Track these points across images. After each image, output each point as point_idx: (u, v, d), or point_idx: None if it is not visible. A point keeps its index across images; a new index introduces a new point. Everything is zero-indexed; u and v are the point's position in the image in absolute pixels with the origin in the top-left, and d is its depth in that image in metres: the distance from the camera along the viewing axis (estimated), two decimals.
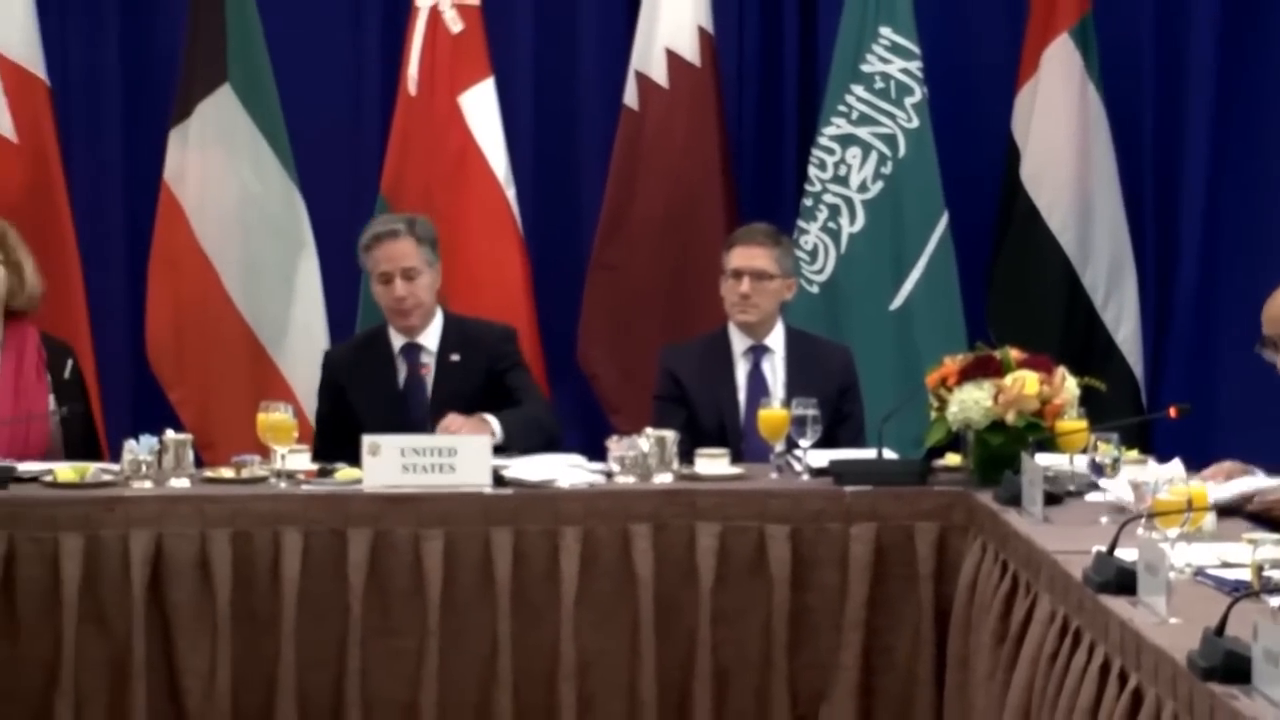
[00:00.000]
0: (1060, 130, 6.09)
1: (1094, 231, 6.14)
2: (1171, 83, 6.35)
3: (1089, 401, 4.51)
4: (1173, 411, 4.37)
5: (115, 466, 4.47)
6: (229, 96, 5.88)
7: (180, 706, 4.27)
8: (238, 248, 5.94)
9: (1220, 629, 2.51)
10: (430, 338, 5.12)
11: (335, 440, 4.77)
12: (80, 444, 4.93)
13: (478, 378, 5.04)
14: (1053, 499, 4.03)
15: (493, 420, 4.82)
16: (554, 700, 4.34)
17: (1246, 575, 3.07)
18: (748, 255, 5.18)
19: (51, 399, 4.92)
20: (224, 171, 5.91)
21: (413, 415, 4.99)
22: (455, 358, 4.97)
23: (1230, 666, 2.44)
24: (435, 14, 5.98)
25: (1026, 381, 4.35)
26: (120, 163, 6.27)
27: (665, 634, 4.36)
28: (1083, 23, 6.10)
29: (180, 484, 4.41)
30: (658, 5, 6.08)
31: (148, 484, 4.37)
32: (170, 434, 4.49)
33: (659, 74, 6.08)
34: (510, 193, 6.02)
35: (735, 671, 4.40)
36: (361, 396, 5.07)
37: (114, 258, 6.22)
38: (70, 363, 5.01)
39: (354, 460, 4.52)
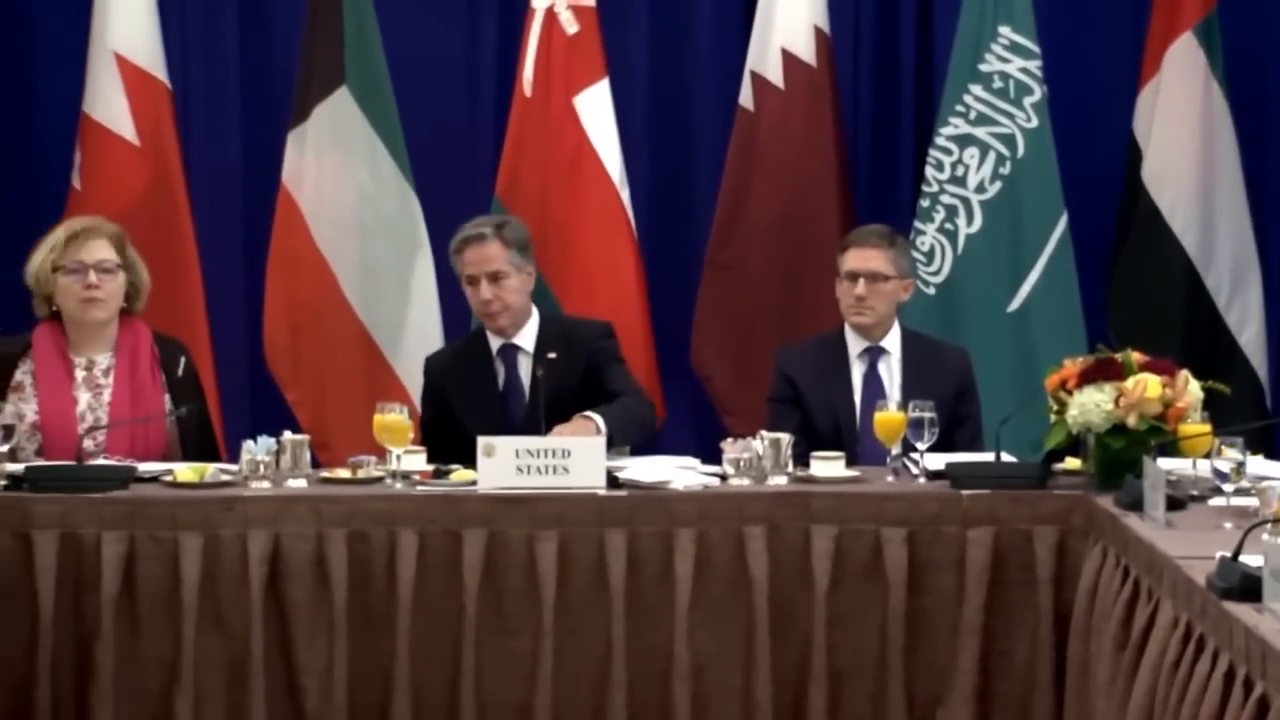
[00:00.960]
0: (1183, 130, 6.02)
1: (1217, 232, 6.06)
2: None
3: (1211, 405, 4.44)
4: None
5: (233, 467, 4.50)
6: (346, 99, 5.92)
7: (298, 704, 4.29)
8: (354, 249, 5.98)
9: None
10: (526, 339, 5.09)
11: (442, 446, 4.75)
12: (196, 442, 4.90)
13: (576, 375, 4.99)
14: (1175, 504, 3.97)
15: (596, 417, 4.78)
16: (668, 702, 4.32)
17: None
18: (863, 257, 5.14)
19: (167, 398, 4.91)
20: (341, 173, 5.95)
21: (513, 415, 4.98)
22: (552, 356, 4.91)
23: None
24: (551, 15, 6.00)
25: (1149, 385, 4.29)
26: (239, 164, 6.35)
27: (780, 636, 4.33)
28: (1207, 21, 6.02)
29: (297, 484, 4.43)
30: (773, 5, 6.06)
31: (265, 484, 4.40)
32: (287, 435, 4.51)
33: (774, 74, 6.06)
34: (625, 194, 6.02)
35: (850, 674, 4.36)
36: (462, 400, 5.06)
37: (232, 259, 6.29)
38: (183, 360, 4.97)
39: (461, 465, 4.54)
